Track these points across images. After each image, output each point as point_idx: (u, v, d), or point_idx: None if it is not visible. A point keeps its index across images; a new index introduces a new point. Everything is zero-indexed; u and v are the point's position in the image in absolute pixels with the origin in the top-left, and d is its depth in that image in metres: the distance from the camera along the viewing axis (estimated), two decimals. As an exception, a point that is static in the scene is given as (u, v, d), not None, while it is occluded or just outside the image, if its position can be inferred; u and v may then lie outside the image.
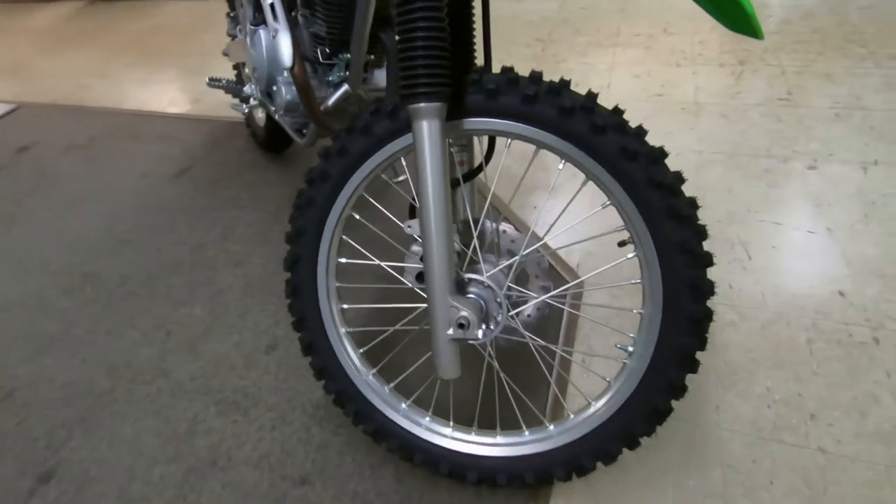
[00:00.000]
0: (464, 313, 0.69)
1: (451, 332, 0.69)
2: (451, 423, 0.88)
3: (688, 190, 1.40)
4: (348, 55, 0.95)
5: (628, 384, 0.75)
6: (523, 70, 1.99)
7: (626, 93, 1.82)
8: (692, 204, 0.68)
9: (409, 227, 0.78)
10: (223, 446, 1.00)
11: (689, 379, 0.71)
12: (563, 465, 0.81)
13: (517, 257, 0.77)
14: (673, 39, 2.08)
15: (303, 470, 0.95)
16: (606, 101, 1.79)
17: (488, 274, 0.77)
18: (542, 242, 0.80)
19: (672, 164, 1.49)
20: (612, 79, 1.91)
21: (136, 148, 1.97)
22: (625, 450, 0.77)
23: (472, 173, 0.83)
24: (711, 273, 1.17)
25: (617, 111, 0.68)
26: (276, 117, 1.13)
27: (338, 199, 0.79)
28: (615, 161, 0.67)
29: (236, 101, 1.48)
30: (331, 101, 0.99)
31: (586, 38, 2.20)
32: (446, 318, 0.69)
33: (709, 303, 0.69)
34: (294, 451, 0.97)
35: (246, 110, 1.20)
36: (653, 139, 1.59)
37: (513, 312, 0.80)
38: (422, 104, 0.63)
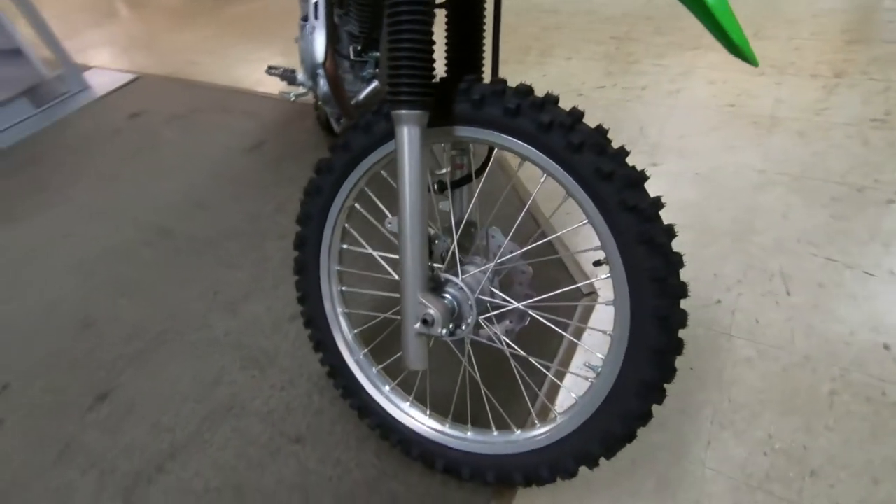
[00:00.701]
0: (430, 311, 0.73)
1: (417, 326, 0.74)
2: (428, 412, 0.93)
3: (736, 210, 1.31)
4: (378, 53, 1.01)
5: (591, 404, 0.75)
6: (585, 70, 1.94)
7: (695, 100, 1.71)
8: (668, 232, 0.66)
9: (390, 223, 0.83)
10: (239, 397, 1.13)
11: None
12: (522, 471, 0.83)
13: (491, 263, 0.79)
14: (763, 45, 1.90)
15: (298, 430, 1.05)
16: (671, 108, 1.70)
17: (464, 276, 0.80)
18: (522, 251, 0.81)
19: (726, 181, 1.39)
20: (684, 84, 1.79)
21: (223, 121, 2.19)
22: (587, 468, 0.78)
23: (462, 180, 0.86)
24: (741, 303, 1.10)
25: (599, 130, 0.67)
26: (320, 105, 1.22)
27: (340, 189, 0.86)
28: (590, 180, 0.67)
29: (291, 88, 1.60)
30: (362, 96, 1.06)
31: (667, 38, 2.07)
32: (415, 313, 0.73)
33: (682, 333, 0.67)
34: (294, 412, 1.08)
35: (293, 98, 1.31)
36: (709, 154, 1.49)
37: (486, 316, 0.83)
38: (403, 111, 0.67)
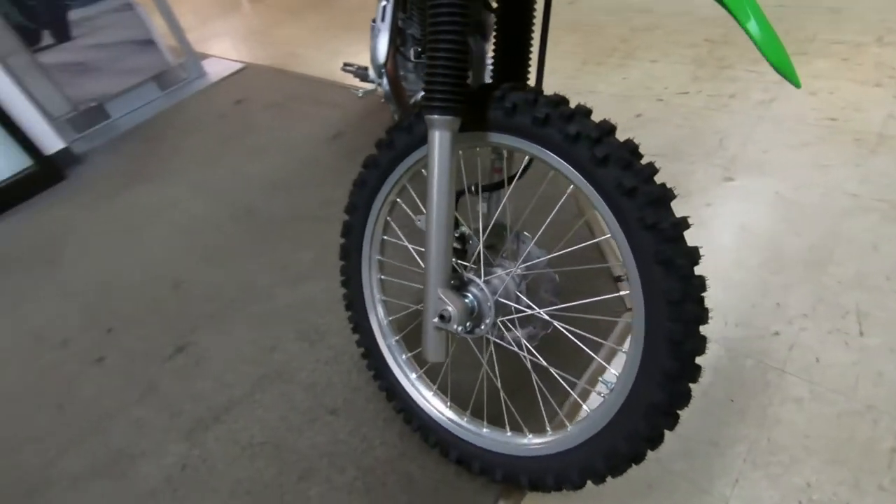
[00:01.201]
0: (448, 307, 0.76)
1: (435, 320, 0.78)
2: (449, 403, 0.97)
3: (816, 236, 1.19)
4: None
5: (601, 419, 0.75)
6: (670, 73, 1.83)
7: (789, 112, 1.56)
8: (690, 254, 0.64)
9: (419, 221, 0.87)
10: (289, 365, 1.24)
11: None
12: (529, 475, 0.84)
13: (513, 267, 0.81)
14: (886, 52, 1.68)
15: (335, 403, 1.13)
16: (759, 119, 1.57)
17: (487, 278, 0.82)
18: (546, 258, 0.82)
19: (810, 203, 1.27)
20: (779, 93, 1.64)
21: (312, 111, 2.36)
22: (593, 483, 0.77)
23: (498, 184, 0.87)
24: (802, 338, 1.01)
25: (627, 145, 0.66)
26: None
27: (384, 184, 0.91)
28: (613, 195, 0.66)
29: (363, 84, 1.69)
30: (419, 95, 1.11)
31: (770, 41, 1.90)
32: (435, 308, 0.77)
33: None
34: (334, 386, 1.17)
35: (360, 94, 1.39)
36: (795, 172, 1.36)
37: (505, 319, 0.84)
38: (436, 115, 0.70)
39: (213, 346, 1.35)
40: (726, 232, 1.27)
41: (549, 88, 2.02)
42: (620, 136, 1.62)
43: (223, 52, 3.36)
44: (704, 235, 1.28)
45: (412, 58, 1.08)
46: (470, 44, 1.01)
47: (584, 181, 0.69)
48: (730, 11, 0.58)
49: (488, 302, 0.81)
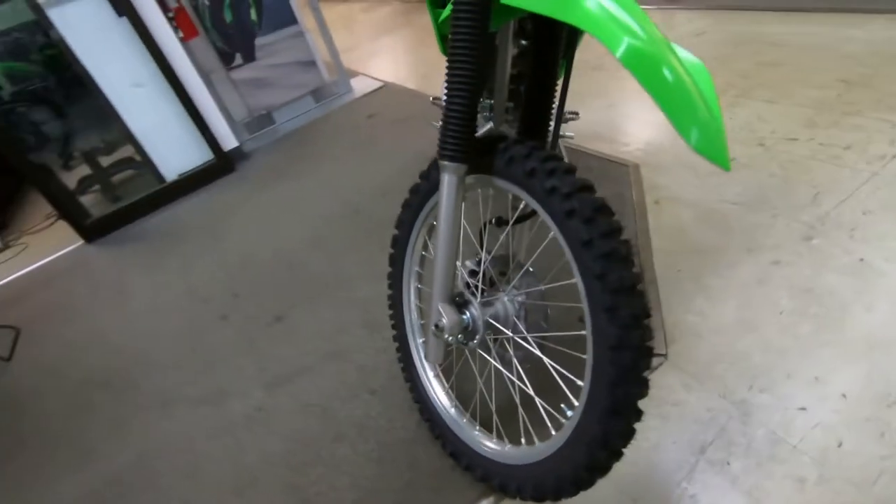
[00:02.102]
0: (443, 319, 0.91)
1: (433, 328, 0.93)
2: (455, 403, 1.11)
3: (894, 315, 1.07)
4: (491, 100, 1.19)
5: (557, 443, 0.84)
6: (784, 116, 1.71)
7: (915, 171, 1.37)
8: (636, 306, 0.71)
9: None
10: (350, 348, 1.48)
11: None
12: (500, 480, 0.95)
13: (502, 294, 0.92)
14: None
15: (375, 385, 1.34)
16: (869, 176, 1.41)
17: (484, 299, 0.95)
18: (536, 288, 0.92)
19: (878, 280, 1.14)
20: (908, 149, 1.45)
21: (426, 129, 2.64)
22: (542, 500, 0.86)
23: (517, 219, 0.98)
24: (834, 419, 0.96)
25: (593, 201, 0.75)
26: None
27: (424, 208, 1.09)
28: (574, 245, 0.76)
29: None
30: (479, 133, 1.26)
31: (922, 86, 1.66)
32: (434, 318, 0.93)
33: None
34: (378, 371, 1.38)
35: (435, 125, 1.57)
36: (890, 244, 1.22)
37: (495, 338, 0.96)
38: (446, 162, 0.86)
39: (302, 320, 1.66)
40: (785, 294, 1.20)
41: (649, 120, 2.01)
42: (703, 181, 1.59)
43: (369, 71, 3.84)
44: (760, 294, 1.22)
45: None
46: (520, 90, 1.15)
47: (556, 229, 0.79)
48: (643, 87, 0.64)
49: (480, 321, 0.94)
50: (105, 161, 3.09)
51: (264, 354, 1.57)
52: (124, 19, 2.36)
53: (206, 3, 2.77)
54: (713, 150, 0.63)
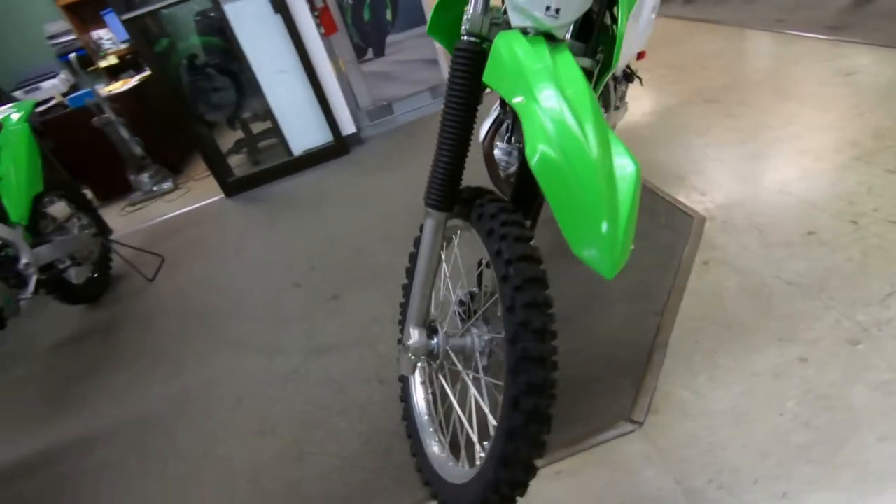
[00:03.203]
0: (410, 340, 1.05)
1: (401, 346, 1.08)
2: (429, 411, 1.24)
3: (908, 454, 0.94)
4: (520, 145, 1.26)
5: (470, 475, 0.94)
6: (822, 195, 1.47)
7: None
8: (535, 382, 0.77)
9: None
10: (377, 337, 1.68)
11: None
12: (435, 488, 1.07)
13: (464, 329, 1.02)
14: None
15: (386, 376, 1.52)
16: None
17: (447, 330, 1.06)
18: (498, 335, 1.00)
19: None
20: None
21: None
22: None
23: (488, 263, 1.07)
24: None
25: (527, 271, 0.81)
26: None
27: (432, 239, 1.21)
28: (503, 307, 0.84)
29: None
30: (509, 171, 1.34)
31: None
32: (405, 337, 1.07)
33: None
34: (393, 364, 1.55)
35: None
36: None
37: (451, 367, 1.07)
38: (430, 209, 0.98)
39: (353, 303, 1.90)
40: (797, 396, 1.11)
41: (738, 171, 1.86)
42: (765, 250, 1.47)
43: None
44: (769, 388, 1.14)
45: (503, 142, 1.31)
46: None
47: (498, 288, 0.87)
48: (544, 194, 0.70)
49: (441, 349, 1.05)
50: (256, 129, 3.67)
51: (315, 325, 1.85)
52: (278, 16, 2.78)
53: (350, 2, 3.11)
54: (597, 262, 0.67)
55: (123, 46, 4.49)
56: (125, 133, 3.58)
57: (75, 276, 2.40)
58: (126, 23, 2.63)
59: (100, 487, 1.50)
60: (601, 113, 0.77)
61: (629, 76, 1.63)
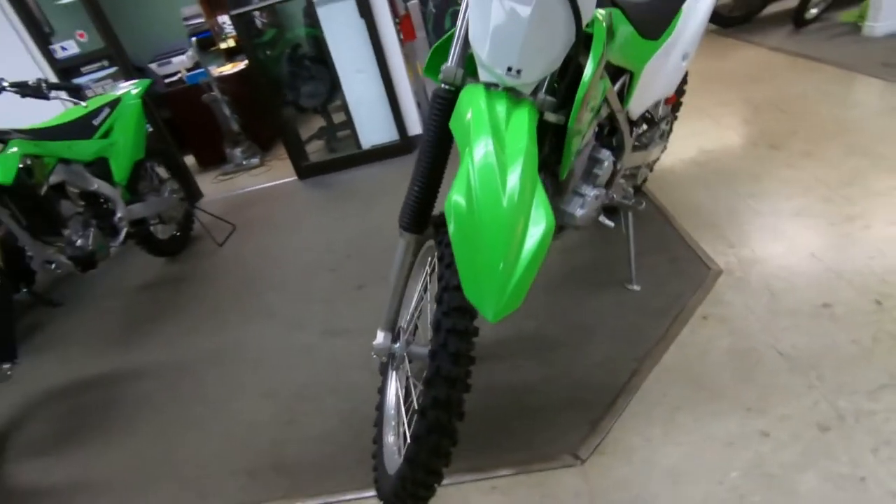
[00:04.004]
0: (377, 340, 1.19)
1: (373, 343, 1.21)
2: (395, 402, 1.37)
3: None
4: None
5: (393, 470, 1.06)
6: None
7: None
8: (438, 419, 0.88)
9: None
10: (384, 331, 1.83)
11: None
12: (377, 474, 1.20)
13: (412, 343, 1.14)
14: None
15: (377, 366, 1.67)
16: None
17: (405, 338, 1.18)
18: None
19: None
20: None
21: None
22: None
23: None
24: None
25: (450, 318, 0.92)
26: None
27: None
28: (436, 308, 0.94)
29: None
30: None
31: None
32: (375, 338, 1.21)
33: None
34: (386, 358, 1.69)
35: None
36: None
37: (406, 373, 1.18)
38: (402, 230, 1.10)
39: (372, 294, 2.07)
40: (742, 468, 1.09)
41: (775, 229, 1.77)
42: (771, 317, 1.43)
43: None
44: (718, 454, 1.13)
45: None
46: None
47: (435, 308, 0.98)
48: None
49: (400, 353, 1.18)
50: (337, 119, 3.97)
51: (337, 310, 2.04)
52: (363, 20, 3.01)
53: (433, 10, 3.26)
54: (482, 305, 0.75)
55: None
56: (227, 110, 4.05)
57: (161, 232, 2.81)
58: (232, 17, 2.99)
59: (134, 412, 1.80)
60: (534, 169, 0.84)
61: (651, 121, 1.62)
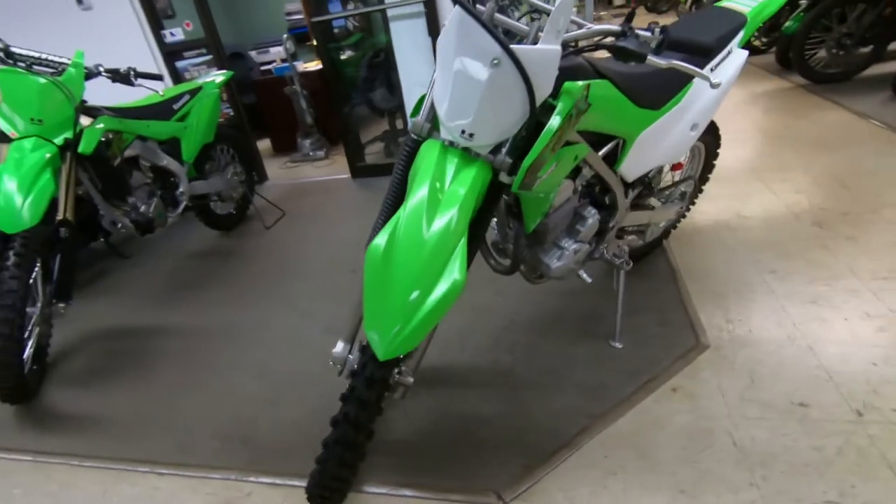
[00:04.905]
0: (333, 349, 1.31)
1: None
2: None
3: None
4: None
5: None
6: None
7: None
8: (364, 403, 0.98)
9: None
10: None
11: None
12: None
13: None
14: None
15: (358, 371, 1.79)
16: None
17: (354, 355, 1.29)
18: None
19: None
20: None
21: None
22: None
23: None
24: None
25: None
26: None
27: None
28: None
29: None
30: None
31: None
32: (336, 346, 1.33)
33: None
34: (368, 363, 1.81)
35: None
36: None
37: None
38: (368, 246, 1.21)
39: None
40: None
41: (781, 311, 1.69)
42: (737, 404, 1.40)
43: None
44: (634, 530, 1.13)
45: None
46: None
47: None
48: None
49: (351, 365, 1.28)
50: (399, 126, 4.17)
51: (343, 311, 2.19)
52: (430, 39, 3.16)
53: (502, 35, 3.35)
54: (375, 344, 0.84)
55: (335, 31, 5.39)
56: (304, 103, 4.38)
57: (220, 208, 3.12)
58: (312, 24, 3.25)
59: (153, 365, 2.05)
60: (462, 224, 0.92)
61: (646, 186, 1.59)
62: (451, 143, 1.00)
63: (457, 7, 0.92)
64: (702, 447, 1.30)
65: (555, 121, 0.99)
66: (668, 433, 1.35)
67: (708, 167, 1.99)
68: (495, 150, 1.03)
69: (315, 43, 5.43)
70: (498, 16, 1.06)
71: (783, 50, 4.30)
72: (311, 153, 4.52)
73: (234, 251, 2.99)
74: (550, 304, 1.93)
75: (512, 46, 0.90)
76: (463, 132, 0.97)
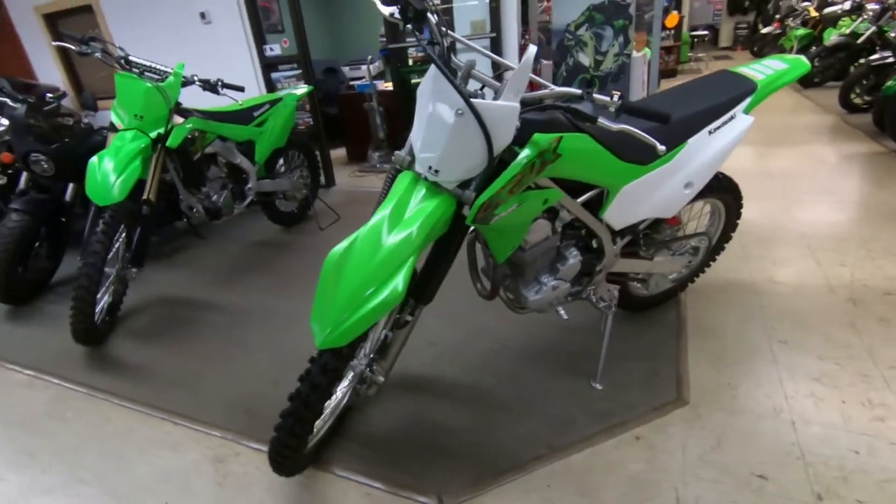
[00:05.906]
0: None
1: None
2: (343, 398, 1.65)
3: None
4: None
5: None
6: None
7: None
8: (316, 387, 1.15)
9: None
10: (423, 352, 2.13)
11: None
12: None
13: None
14: None
15: (358, 367, 1.97)
16: None
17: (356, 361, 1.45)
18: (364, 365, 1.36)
19: None
20: None
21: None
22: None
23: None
24: None
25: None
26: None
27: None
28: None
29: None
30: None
31: None
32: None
33: None
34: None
35: None
36: None
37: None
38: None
39: (420, 319, 2.37)
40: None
41: (773, 365, 1.64)
42: (694, 464, 1.41)
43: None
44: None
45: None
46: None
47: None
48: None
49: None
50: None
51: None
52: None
53: (564, 74, 3.45)
54: (315, 333, 1.00)
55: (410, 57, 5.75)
56: (379, 119, 4.73)
57: (284, 206, 3.48)
58: (389, 50, 3.55)
59: (200, 333, 2.36)
60: (417, 243, 1.07)
61: (632, 234, 1.61)
62: (424, 177, 1.16)
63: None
64: (643, 498, 1.32)
65: (514, 167, 1.11)
66: (616, 478, 1.38)
67: (730, 226, 1.96)
68: (464, 185, 1.17)
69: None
70: (476, 71, 1.20)
71: (880, 111, 3.98)
72: (378, 165, 4.85)
73: (289, 245, 3.31)
74: (546, 335, 1.99)
75: (473, 101, 1.05)
76: (430, 168, 1.12)
